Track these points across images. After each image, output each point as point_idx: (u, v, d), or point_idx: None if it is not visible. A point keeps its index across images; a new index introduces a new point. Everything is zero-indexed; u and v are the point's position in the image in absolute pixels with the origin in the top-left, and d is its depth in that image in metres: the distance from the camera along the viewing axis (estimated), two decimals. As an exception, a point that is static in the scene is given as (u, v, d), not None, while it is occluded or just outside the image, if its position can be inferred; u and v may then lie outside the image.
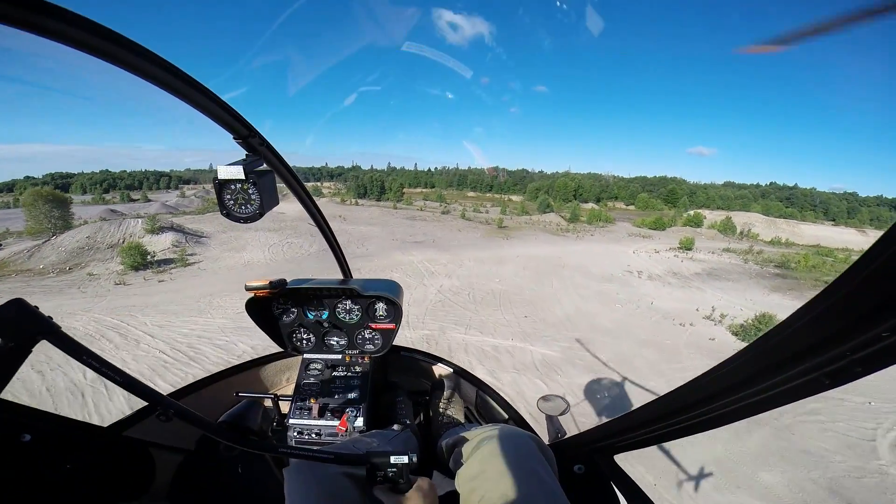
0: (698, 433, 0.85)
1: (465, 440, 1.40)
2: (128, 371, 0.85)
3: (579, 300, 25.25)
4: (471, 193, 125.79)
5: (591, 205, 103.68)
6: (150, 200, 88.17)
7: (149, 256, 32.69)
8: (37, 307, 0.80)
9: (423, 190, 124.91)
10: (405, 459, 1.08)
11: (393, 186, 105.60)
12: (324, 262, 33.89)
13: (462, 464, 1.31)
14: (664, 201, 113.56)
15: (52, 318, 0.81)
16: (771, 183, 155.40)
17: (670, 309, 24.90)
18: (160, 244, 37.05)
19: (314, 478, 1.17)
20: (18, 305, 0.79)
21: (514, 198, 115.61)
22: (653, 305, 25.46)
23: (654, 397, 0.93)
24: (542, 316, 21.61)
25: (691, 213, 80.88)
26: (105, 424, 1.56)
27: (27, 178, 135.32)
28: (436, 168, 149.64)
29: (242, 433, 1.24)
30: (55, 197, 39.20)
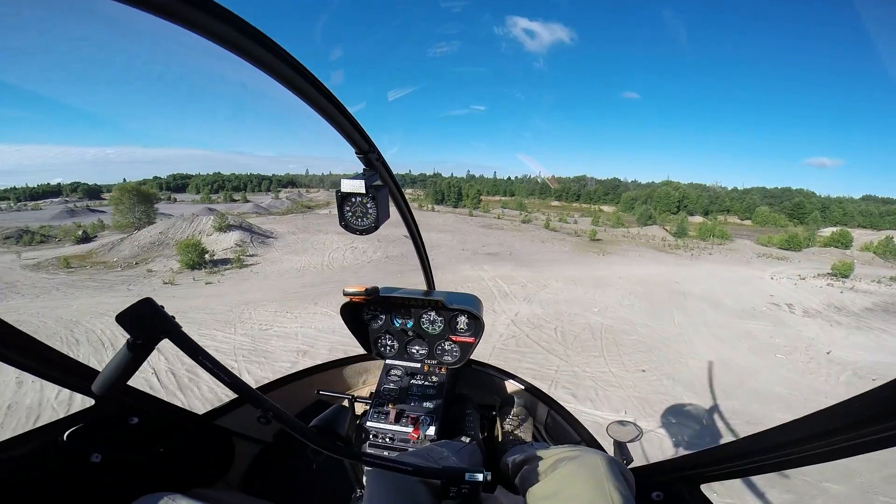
0: (789, 469, 0.90)
1: (537, 458, 1.41)
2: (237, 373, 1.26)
3: (718, 345, 17.52)
4: (555, 203, 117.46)
5: (698, 218, 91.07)
6: (248, 201, 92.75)
7: (207, 255, 30.85)
8: (162, 307, 0.85)
9: (502, 198, 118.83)
10: (479, 477, 1.10)
11: (470, 193, 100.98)
12: (382, 271, 30.10)
13: (534, 482, 1.31)
14: (789, 216, 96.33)
15: (174, 318, 0.87)
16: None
17: (859, 362, 16.37)
18: (224, 243, 35.60)
19: (394, 483, 1.19)
20: (149, 305, 0.84)
21: (606, 208, 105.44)
22: (830, 356, 17.03)
23: None
24: (669, 369, 14.54)
25: (832, 230, 66.27)
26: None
27: (155, 177, 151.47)
28: (516, 177, 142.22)
29: (331, 438, 1.18)
30: (140, 193, 40.64)
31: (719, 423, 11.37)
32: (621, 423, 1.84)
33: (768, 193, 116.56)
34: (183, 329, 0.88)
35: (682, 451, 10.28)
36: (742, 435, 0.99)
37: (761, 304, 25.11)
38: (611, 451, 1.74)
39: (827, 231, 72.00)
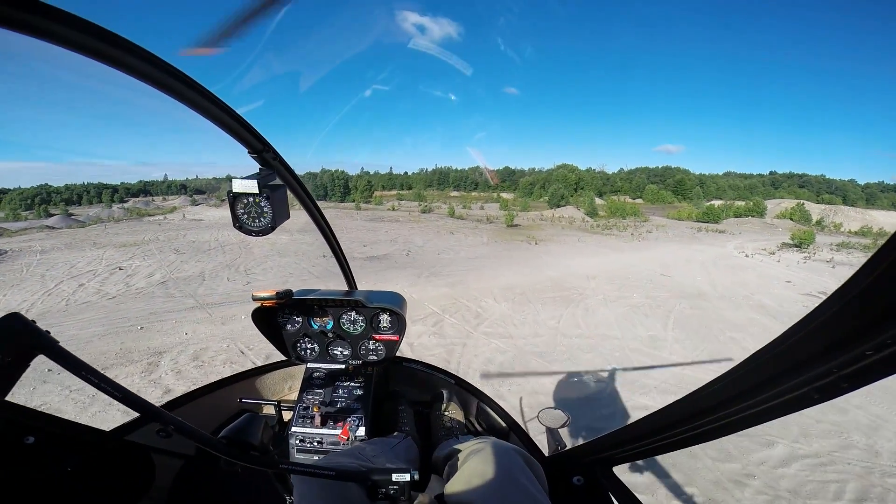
0: (692, 446, 0.87)
1: (455, 452, 1.42)
2: (127, 386, 0.85)
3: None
4: (454, 193, 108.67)
5: (597, 199, 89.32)
6: (52, 215, 68.44)
7: None
8: (34, 321, 0.80)
9: (400, 192, 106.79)
10: (406, 477, 1.08)
11: (360, 185, 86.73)
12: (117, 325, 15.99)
13: (451, 477, 1.31)
14: (674, 193, 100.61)
15: (49, 333, 0.82)
16: (771, 172, 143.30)
17: None
18: None
19: (322, 488, 1.16)
20: (16, 320, 0.79)
21: (504, 195, 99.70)
22: None
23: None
24: None
25: (715, 203, 67.39)
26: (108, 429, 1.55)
27: None
28: (413, 172, 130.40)
29: (243, 448, 1.12)
30: None
31: None
32: (548, 411, 1.86)
33: (651, 172, 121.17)
34: (60, 344, 0.81)
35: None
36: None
37: (787, 293, 16.26)
38: (545, 437, 1.82)
39: (710, 203, 74.05)
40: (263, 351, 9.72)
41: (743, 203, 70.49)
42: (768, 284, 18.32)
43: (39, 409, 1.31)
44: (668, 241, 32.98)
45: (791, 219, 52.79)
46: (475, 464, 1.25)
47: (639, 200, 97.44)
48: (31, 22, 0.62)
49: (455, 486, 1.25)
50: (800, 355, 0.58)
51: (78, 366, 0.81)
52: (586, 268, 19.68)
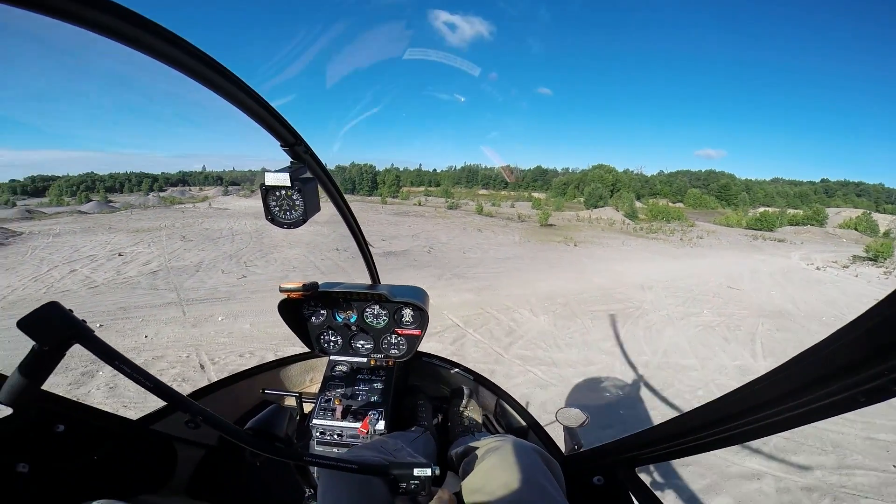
0: (724, 448, 0.84)
1: (472, 450, 1.41)
2: (159, 377, 0.84)
3: None
4: (483, 191, 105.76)
5: (636, 202, 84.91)
6: (90, 200, 70.08)
7: None
8: (71, 310, 0.82)
9: (428, 188, 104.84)
10: (428, 472, 1.10)
11: (387, 180, 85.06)
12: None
13: (468, 474, 1.30)
14: (717, 198, 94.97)
15: (85, 322, 0.84)
16: (823, 180, 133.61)
17: None
18: None
19: (346, 480, 1.17)
20: (53, 308, 0.81)
21: (536, 195, 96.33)
22: None
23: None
24: None
25: (762, 210, 62.39)
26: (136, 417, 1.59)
27: (11, 181, 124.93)
28: (442, 170, 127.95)
29: (269, 439, 1.12)
30: None
31: None
32: (567, 410, 1.84)
33: (693, 176, 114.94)
34: (95, 333, 0.82)
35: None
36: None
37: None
38: (562, 436, 1.79)
39: (758, 211, 69.80)
40: (229, 366, 7.44)
41: (800, 211, 64.85)
42: (855, 302, 14.92)
43: (70, 398, 1.32)
44: (723, 248, 29.29)
45: (856, 229, 47.42)
46: (493, 461, 1.24)
47: (679, 205, 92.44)
48: (80, 13, 0.63)
49: (472, 482, 1.23)
50: (850, 357, 0.56)
51: (112, 355, 0.83)
52: (638, 275, 16.70)
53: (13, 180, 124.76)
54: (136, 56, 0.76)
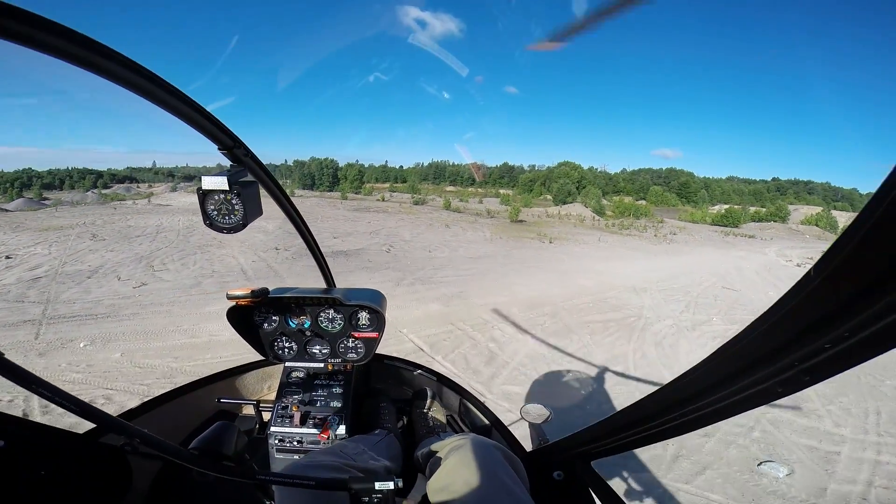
0: (665, 439, 0.87)
1: (436, 450, 1.40)
2: (85, 399, 0.77)
3: None
4: (450, 188, 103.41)
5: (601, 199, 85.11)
6: (20, 197, 63.15)
7: None
8: None
9: (394, 184, 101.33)
10: (390, 485, 1.05)
11: (349, 175, 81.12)
12: None
13: (433, 474, 1.30)
14: (677, 195, 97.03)
15: None
16: (774, 178, 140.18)
17: None
18: None
19: (306, 492, 1.13)
20: None
21: (503, 191, 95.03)
22: None
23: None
24: None
25: (722, 207, 63.85)
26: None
27: None
28: (409, 167, 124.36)
29: (216, 458, 1.09)
30: None
31: None
32: (530, 407, 1.84)
33: (654, 174, 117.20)
34: (6, 356, 0.75)
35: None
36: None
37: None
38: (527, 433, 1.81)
39: (720, 208, 71.69)
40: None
41: (762, 208, 66.47)
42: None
43: (8, 413, 1.24)
44: (699, 244, 28.22)
45: (818, 225, 48.36)
46: (455, 460, 1.23)
47: (642, 202, 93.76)
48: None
49: (436, 482, 1.22)
50: (763, 349, 0.57)
51: (27, 379, 0.77)
52: (625, 275, 14.71)
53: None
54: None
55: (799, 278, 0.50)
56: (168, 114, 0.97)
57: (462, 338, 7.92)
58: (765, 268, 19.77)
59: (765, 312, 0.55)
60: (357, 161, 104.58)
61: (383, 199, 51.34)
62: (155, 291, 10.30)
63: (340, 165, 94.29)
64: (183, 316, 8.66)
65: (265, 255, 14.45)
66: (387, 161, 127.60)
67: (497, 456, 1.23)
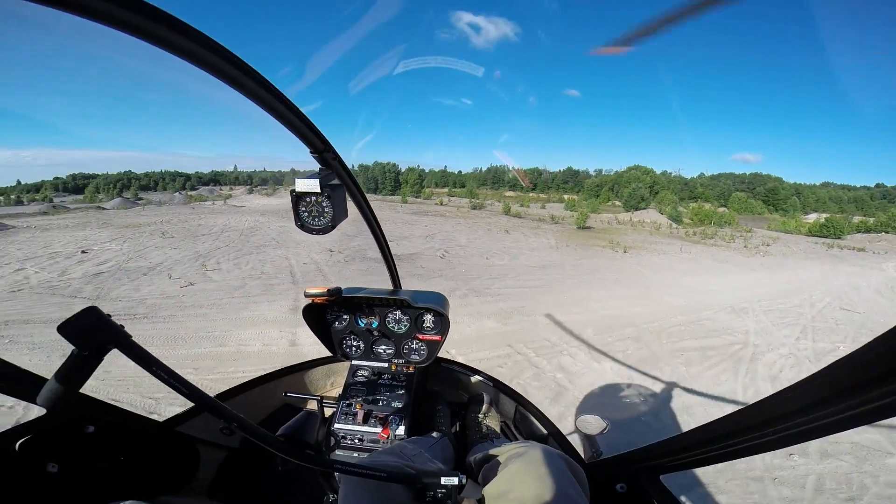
0: (748, 456, 0.85)
1: (493, 456, 1.40)
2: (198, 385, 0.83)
3: None
4: (509, 193, 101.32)
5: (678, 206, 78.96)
6: (120, 197, 71.19)
7: None
8: (109, 315, 0.82)
9: (452, 189, 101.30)
10: (455, 481, 1.08)
11: (410, 179, 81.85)
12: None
13: (490, 480, 1.29)
14: (763, 203, 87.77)
15: (123, 327, 0.83)
16: (878, 184, 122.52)
17: None
18: None
19: (367, 486, 1.17)
20: (92, 314, 0.80)
21: (567, 196, 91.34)
22: None
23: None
24: None
25: (815, 216, 56.15)
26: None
27: (55, 178, 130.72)
28: (467, 172, 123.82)
29: (300, 446, 1.12)
30: None
31: None
32: (586, 417, 1.73)
33: (737, 179, 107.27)
34: (133, 339, 0.82)
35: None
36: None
37: None
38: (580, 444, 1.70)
39: (811, 217, 63.64)
40: None
41: (869, 218, 58.14)
42: None
43: (101, 399, 1.31)
44: (798, 257, 24.37)
45: (951, 238, 40.74)
46: (517, 467, 1.22)
47: (723, 209, 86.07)
48: (110, 13, 0.62)
49: (496, 488, 1.21)
50: (872, 372, 0.57)
51: (149, 361, 0.82)
52: (720, 293, 12.47)
53: (57, 178, 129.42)
54: (167, 58, 0.74)
55: None
56: (249, 121, 0.95)
57: (522, 365, 6.58)
58: (886, 286, 16.37)
59: (868, 343, 0.54)
60: (418, 166, 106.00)
61: (441, 204, 50.81)
62: (200, 292, 9.98)
63: (402, 170, 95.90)
64: (218, 320, 8.11)
65: (318, 258, 13.99)
66: (446, 166, 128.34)
67: (561, 465, 1.20)
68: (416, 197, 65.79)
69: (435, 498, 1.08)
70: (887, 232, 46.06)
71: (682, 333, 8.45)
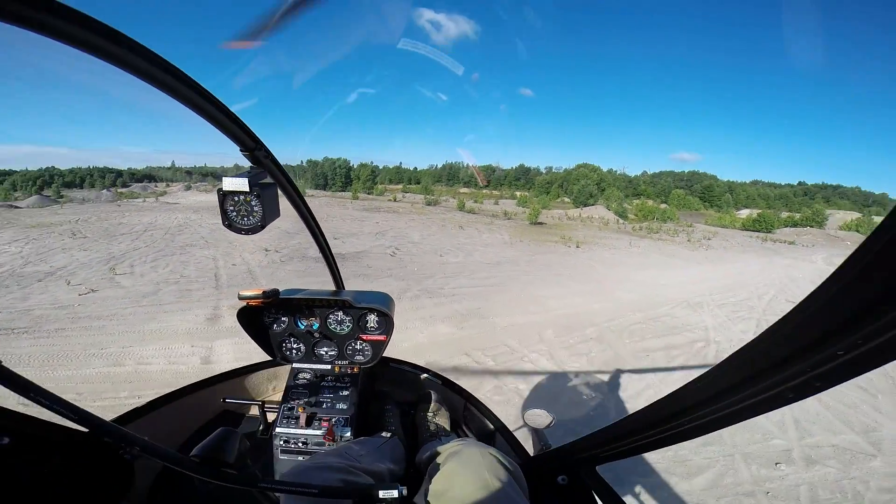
0: (672, 444, 0.86)
1: (436, 455, 1.39)
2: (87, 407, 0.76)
3: None
4: (464, 189, 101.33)
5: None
6: (34, 195, 63.82)
7: None
8: None
9: (406, 185, 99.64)
10: (395, 493, 1.03)
11: (362, 175, 79.54)
12: None
13: (432, 479, 1.29)
14: (700, 199, 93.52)
15: None
16: (800, 182, 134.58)
17: None
18: None
19: (310, 499, 1.14)
20: None
21: (518, 193, 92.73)
22: None
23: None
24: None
25: (747, 212, 60.85)
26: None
27: None
28: (423, 169, 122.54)
29: (217, 465, 1.06)
30: None
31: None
32: (533, 412, 1.82)
33: (676, 177, 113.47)
34: (4, 364, 0.75)
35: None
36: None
37: None
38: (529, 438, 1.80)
39: (743, 213, 68.91)
40: None
41: (796, 213, 63.19)
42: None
43: (15, 410, 1.21)
44: (739, 251, 25.56)
45: (858, 231, 44.87)
46: (452, 466, 1.24)
47: (663, 206, 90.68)
48: (27, 15, 0.59)
49: (435, 487, 1.22)
50: (778, 355, 0.58)
51: (25, 387, 0.75)
52: (673, 286, 12.40)
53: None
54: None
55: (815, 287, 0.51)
56: (190, 114, 0.96)
57: (482, 376, 5.81)
58: (820, 277, 17.11)
59: (780, 319, 0.55)
60: (371, 162, 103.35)
61: (395, 200, 49.51)
62: (101, 300, 8.41)
63: (353, 166, 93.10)
64: (117, 334, 6.74)
65: (250, 258, 12.55)
66: (401, 162, 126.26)
67: (493, 461, 1.21)
68: (369, 193, 63.88)
69: None
70: (812, 226, 50.21)
71: (644, 332, 8.04)
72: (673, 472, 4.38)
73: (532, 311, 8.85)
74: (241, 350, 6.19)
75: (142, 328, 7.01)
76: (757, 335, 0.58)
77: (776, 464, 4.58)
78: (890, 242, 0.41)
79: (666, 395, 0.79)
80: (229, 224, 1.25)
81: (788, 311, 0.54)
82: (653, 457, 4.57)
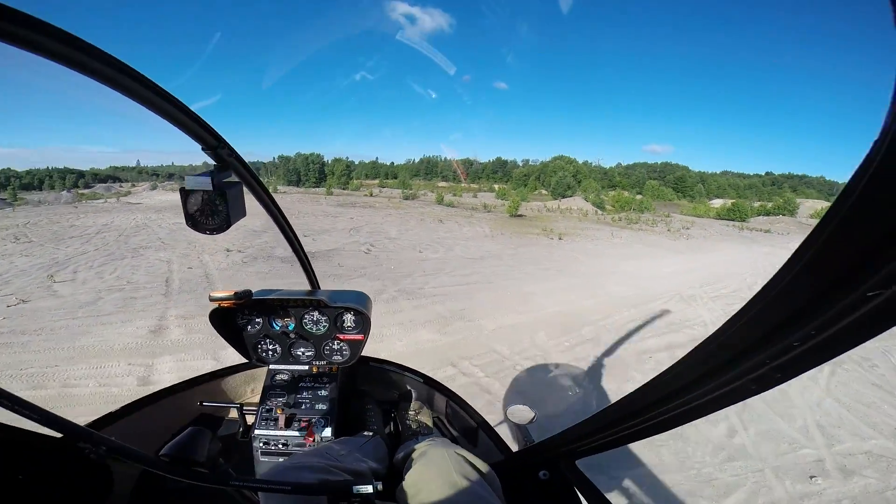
0: (645, 437, 0.87)
1: (411, 454, 1.39)
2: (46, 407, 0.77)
3: None
4: (443, 183, 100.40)
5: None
6: None
7: None
8: None
9: (384, 180, 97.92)
10: (369, 489, 1.00)
11: (336, 170, 77.60)
12: None
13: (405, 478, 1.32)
14: (674, 190, 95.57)
15: None
16: (767, 172, 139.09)
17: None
18: None
19: (286, 498, 1.10)
20: None
21: (497, 186, 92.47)
22: None
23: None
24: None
25: (720, 202, 62.39)
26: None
27: None
28: (400, 163, 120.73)
29: (187, 465, 1.05)
30: None
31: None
32: (515, 408, 1.81)
33: (650, 168, 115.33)
34: None
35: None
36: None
37: None
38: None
39: (717, 203, 70.78)
40: None
41: (768, 203, 64.93)
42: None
43: None
44: (716, 239, 25.67)
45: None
46: (420, 466, 1.24)
47: (639, 196, 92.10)
48: None
49: (406, 486, 1.21)
50: (736, 348, 0.58)
51: None
52: (662, 278, 11.95)
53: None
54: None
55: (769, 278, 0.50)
56: (154, 113, 0.95)
57: (469, 389, 5.07)
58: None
59: (738, 311, 0.55)
60: (346, 157, 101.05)
61: (371, 195, 48.39)
62: (31, 312, 7.29)
63: (328, 161, 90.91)
64: (42, 352, 5.72)
65: (209, 260, 11.45)
66: (377, 157, 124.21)
67: (458, 460, 1.21)
68: (344, 189, 62.28)
69: None
70: (784, 214, 51.52)
71: (642, 330, 7.46)
72: (701, 495, 3.77)
73: (520, 310, 8.16)
74: (186, 368, 5.28)
75: (72, 344, 5.99)
76: (720, 326, 0.57)
77: (811, 477, 4.03)
78: (835, 232, 0.41)
79: (637, 388, 0.77)
80: (193, 224, 1.19)
81: (745, 302, 0.53)
82: (676, 477, 3.95)
